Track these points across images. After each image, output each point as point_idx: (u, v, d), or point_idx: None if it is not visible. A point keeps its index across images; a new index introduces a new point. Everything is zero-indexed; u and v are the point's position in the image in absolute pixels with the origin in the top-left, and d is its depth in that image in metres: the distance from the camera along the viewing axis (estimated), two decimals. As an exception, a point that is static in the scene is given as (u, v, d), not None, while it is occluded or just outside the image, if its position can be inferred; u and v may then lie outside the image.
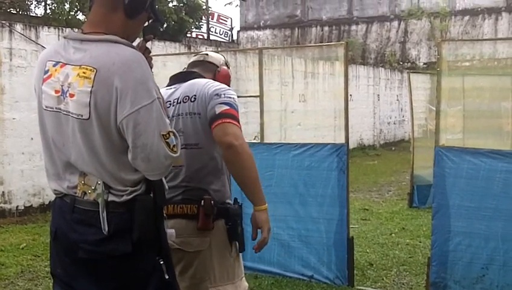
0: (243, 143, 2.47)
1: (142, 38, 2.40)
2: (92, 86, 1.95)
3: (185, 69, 2.94)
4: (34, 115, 7.76)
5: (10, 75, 7.66)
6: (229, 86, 2.82)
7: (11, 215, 7.65)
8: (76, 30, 2.16)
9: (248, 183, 2.54)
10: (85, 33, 2.08)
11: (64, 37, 2.12)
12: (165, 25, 14.42)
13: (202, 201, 2.55)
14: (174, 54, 9.84)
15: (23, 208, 7.81)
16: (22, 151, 7.77)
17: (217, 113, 2.50)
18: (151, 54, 2.42)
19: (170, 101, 2.67)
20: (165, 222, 2.23)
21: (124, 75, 1.95)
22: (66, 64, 2.04)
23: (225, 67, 2.90)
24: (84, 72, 1.98)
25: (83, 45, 2.04)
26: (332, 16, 25.20)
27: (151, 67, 2.35)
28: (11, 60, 7.69)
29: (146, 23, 2.24)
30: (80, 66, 1.99)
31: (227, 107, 2.52)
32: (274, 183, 4.90)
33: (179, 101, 2.64)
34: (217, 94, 2.56)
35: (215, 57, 2.95)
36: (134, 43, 2.22)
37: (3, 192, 7.60)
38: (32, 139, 7.82)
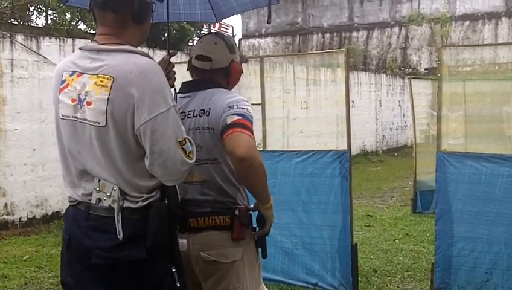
0: (255, 155, 2.37)
1: (166, 53, 2.53)
2: (109, 94, 2.00)
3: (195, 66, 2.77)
4: (36, 126, 7.82)
5: (12, 86, 7.67)
6: (239, 78, 2.77)
7: (14, 227, 7.64)
8: (89, 41, 2.21)
9: (258, 190, 2.52)
10: (101, 44, 2.13)
11: (80, 49, 2.17)
12: (166, 34, 14.46)
13: (237, 211, 2.53)
14: (176, 62, 9.86)
15: (26, 219, 7.80)
16: (24, 162, 7.78)
17: (228, 123, 2.43)
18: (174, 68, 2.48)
19: (185, 113, 2.58)
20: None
21: (141, 84, 2.00)
22: (83, 73, 2.09)
23: (235, 61, 2.73)
24: (101, 81, 2.03)
25: (99, 55, 2.09)
26: (333, 22, 25.27)
27: (174, 80, 2.48)
28: (12, 70, 7.69)
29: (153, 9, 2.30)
30: (97, 74, 2.05)
31: (239, 117, 2.43)
32: (277, 191, 4.89)
33: (195, 114, 2.56)
34: (230, 106, 2.47)
35: (220, 59, 2.70)
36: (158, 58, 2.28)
37: (5, 203, 7.59)
38: (34, 150, 7.83)
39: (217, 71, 2.70)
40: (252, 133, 2.42)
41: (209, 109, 2.53)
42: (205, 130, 2.53)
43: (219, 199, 2.55)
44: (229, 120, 2.43)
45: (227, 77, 2.72)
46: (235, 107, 2.47)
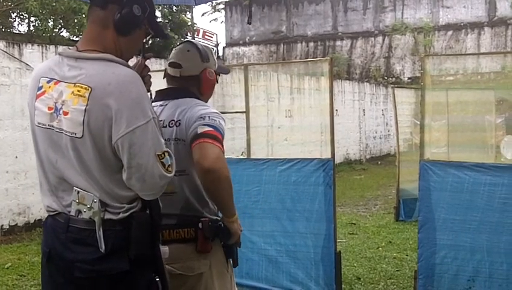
0: (222, 167, 2.34)
1: (141, 56, 2.41)
2: (87, 105, 1.94)
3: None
4: (18, 133, 7.75)
5: (-6, 93, 7.60)
6: (213, 88, 2.71)
7: (-4, 235, 7.57)
8: (71, 47, 2.15)
9: (222, 202, 2.50)
10: (80, 51, 2.07)
11: (59, 54, 2.11)
12: (149, 42, 14.42)
13: (200, 224, 2.49)
14: (159, 70, 9.83)
15: (8, 227, 7.70)
16: (6, 169, 7.70)
17: (198, 133, 2.40)
18: (150, 72, 2.43)
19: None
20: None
21: (119, 95, 1.94)
22: (61, 81, 2.03)
23: (207, 70, 2.67)
24: (78, 91, 1.96)
25: (78, 62, 2.03)
26: (317, 31, 25.40)
27: (150, 85, 2.36)
28: (-6, 77, 7.63)
29: (144, 40, 2.23)
30: (75, 84, 1.98)
31: (210, 128, 2.41)
32: (261, 199, 4.90)
33: (164, 125, 2.52)
34: (202, 117, 2.45)
35: (191, 66, 2.68)
36: (132, 61, 2.21)
37: (-13, 211, 7.51)
38: (16, 157, 7.76)
39: (188, 79, 2.67)
40: (223, 145, 2.39)
41: (179, 120, 2.49)
42: (174, 141, 2.49)
43: (185, 212, 2.52)
44: (200, 130, 2.40)
45: (199, 85, 2.67)
46: (207, 118, 2.44)
